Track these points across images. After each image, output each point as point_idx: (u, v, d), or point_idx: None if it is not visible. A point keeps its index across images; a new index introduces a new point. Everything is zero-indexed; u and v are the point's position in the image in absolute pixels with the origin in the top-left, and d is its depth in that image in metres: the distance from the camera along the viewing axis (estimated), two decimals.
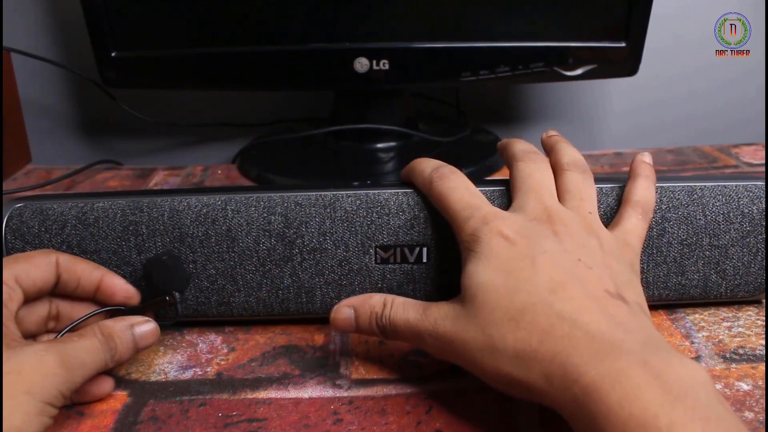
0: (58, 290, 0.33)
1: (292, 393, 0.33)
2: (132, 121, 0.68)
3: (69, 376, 0.28)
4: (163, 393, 0.33)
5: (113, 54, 0.55)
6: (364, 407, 0.31)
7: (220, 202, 0.35)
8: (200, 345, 0.37)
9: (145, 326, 0.32)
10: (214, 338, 0.37)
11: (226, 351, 0.36)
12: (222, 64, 0.56)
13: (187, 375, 0.34)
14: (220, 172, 0.63)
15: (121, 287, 0.34)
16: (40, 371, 0.27)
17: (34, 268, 0.31)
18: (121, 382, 0.34)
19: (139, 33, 0.55)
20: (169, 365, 0.35)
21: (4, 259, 0.31)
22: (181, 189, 0.40)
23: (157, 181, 0.62)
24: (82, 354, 0.29)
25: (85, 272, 0.33)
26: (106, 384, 0.33)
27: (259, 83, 0.59)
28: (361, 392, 0.33)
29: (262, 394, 0.33)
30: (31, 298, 0.32)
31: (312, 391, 0.33)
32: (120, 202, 0.35)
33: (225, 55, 0.55)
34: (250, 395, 0.33)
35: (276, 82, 0.58)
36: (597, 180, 0.36)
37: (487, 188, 0.36)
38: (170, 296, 0.34)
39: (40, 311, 0.33)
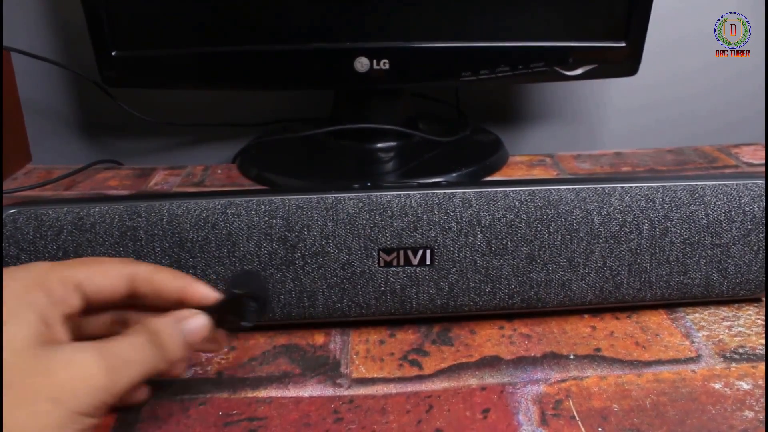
0: (133, 302, 0.29)
1: (293, 392, 0.33)
2: (132, 121, 0.68)
3: (111, 378, 0.24)
4: (164, 392, 0.33)
5: (113, 53, 0.55)
6: (364, 406, 0.31)
7: (220, 206, 0.35)
8: None
9: (194, 320, 0.28)
10: None
11: (226, 350, 0.36)
12: (222, 63, 0.56)
13: (188, 374, 0.34)
14: (220, 171, 0.63)
15: (205, 294, 0.29)
16: (73, 373, 0.23)
17: (101, 275, 0.28)
18: None
19: (140, 32, 0.55)
20: None
21: (73, 260, 0.29)
22: (179, 193, 0.39)
23: (157, 180, 0.62)
24: (126, 352, 0.25)
25: (164, 282, 0.29)
26: (141, 390, 0.31)
27: (260, 83, 0.59)
28: (362, 391, 0.33)
29: (263, 393, 0.33)
30: (96, 308, 0.28)
31: (312, 389, 0.33)
32: (117, 207, 0.34)
33: (225, 54, 0.55)
34: (251, 394, 0.33)
35: (276, 82, 0.58)
36: (597, 180, 0.36)
37: (487, 189, 0.35)
38: (245, 300, 0.30)
39: (102, 317, 0.30)
